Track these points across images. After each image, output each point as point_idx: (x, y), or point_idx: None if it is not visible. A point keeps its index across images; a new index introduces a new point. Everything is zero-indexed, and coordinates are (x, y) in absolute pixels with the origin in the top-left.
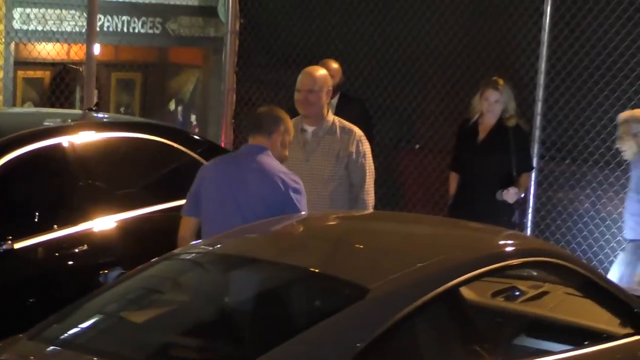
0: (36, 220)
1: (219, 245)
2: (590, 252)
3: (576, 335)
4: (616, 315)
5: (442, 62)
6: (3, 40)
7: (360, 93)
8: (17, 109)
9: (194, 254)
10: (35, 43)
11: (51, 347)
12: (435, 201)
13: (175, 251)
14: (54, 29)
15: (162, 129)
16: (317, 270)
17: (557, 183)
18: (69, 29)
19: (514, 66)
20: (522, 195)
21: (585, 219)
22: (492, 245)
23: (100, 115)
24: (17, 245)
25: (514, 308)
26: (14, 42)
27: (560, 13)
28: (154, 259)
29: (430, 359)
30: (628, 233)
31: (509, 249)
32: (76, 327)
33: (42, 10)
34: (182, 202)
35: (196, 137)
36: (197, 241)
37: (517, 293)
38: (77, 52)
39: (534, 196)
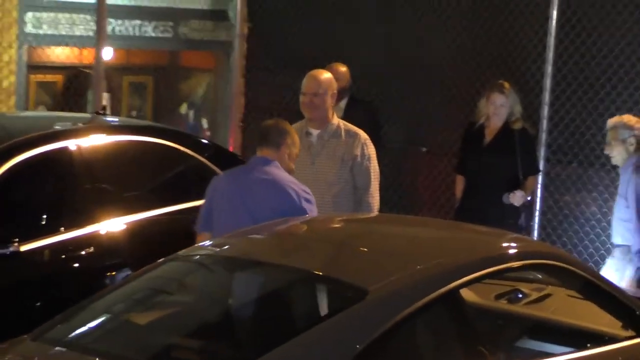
0: (43, 222)
1: (221, 247)
2: (597, 255)
3: (578, 338)
4: (618, 318)
5: (449, 65)
6: (15, 44)
7: (367, 96)
8: (25, 112)
9: (197, 256)
10: (48, 47)
11: (55, 348)
12: (442, 204)
13: (180, 253)
14: (66, 33)
15: (169, 133)
16: (317, 272)
17: (564, 186)
18: (80, 32)
19: (521, 70)
20: (529, 198)
21: (591, 222)
22: (493, 248)
23: (107, 118)
24: (23, 248)
25: (516, 310)
26: (26, 46)
27: (567, 17)
28: (157, 261)
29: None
30: (617, 239)
31: (509, 251)
32: (80, 328)
33: (54, 14)
34: (189, 205)
35: (204, 140)
36: (200, 243)
37: (520, 295)
38: (88, 56)
39: (541, 199)
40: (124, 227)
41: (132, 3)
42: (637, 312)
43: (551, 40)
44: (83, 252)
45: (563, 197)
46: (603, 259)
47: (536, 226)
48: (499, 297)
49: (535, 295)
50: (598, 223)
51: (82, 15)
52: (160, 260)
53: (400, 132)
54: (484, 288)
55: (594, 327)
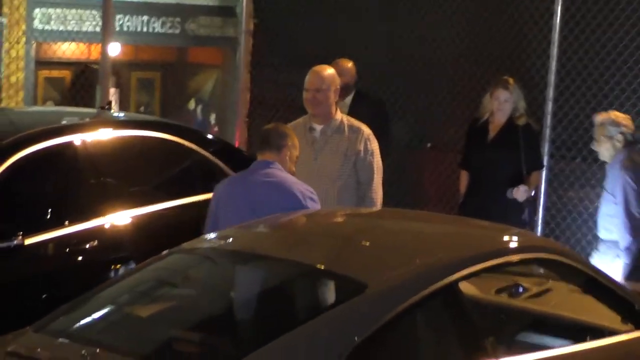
0: (47, 216)
1: (223, 241)
2: None
3: (578, 332)
4: (617, 312)
5: (453, 62)
6: (23, 40)
7: (371, 93)
8: (31, 108)
9: (199, 249)
10: (56, 43)
11: (57, 339)
12: (447, 200)
13: (183, 245)
14: (74, 29)
15: (174, 128)
16: (318, 266)
17: (567, 182)
18: (89, 29)
19: (525, 66)
20: (532, 193)
21: (595, 218)
22: (492, 242)
23: (113, 113)
24: (27, 241)
25: (516, 304)
26: (34, 42)
27: (571, 13)
28: (160, 254)
29: (428, 353)
30: (602, 233)
31: (509, 245)
32: (82, 320)
33: (63, 10)
34: (194, 199)
35: (209, 136)
36: (201, 237)
37: (520, 290)
38: (96, 51)
39: (545, 195)
40: (128, 220)
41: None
42: (636, 307)
43: (555, 36)
44: (87, 246)
45: (567, 193)
46: None
47: (540, 221)
48: (499, 291)
49: (535, 289)
50: None
51: (89, 11)
52: (163, 253)
53: (405, 128)
54: (484, 282)
55: (593, 321)
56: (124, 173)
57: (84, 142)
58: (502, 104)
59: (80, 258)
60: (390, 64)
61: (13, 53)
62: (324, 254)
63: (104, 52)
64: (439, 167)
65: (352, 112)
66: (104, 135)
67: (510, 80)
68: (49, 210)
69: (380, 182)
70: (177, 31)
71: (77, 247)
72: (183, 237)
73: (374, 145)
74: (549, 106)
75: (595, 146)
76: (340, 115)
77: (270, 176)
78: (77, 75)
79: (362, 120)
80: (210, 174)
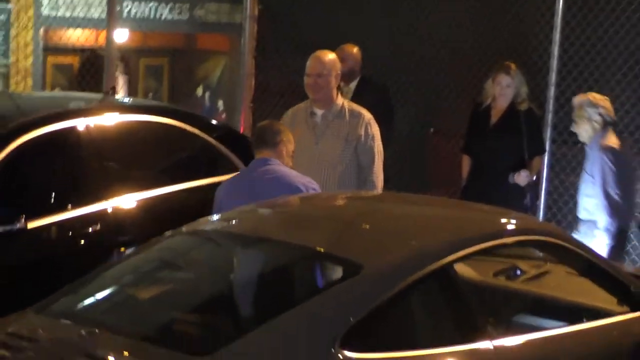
0: (50, 200)
1: (222, 223)
2: None
3: (574, 314)
4: (613, 294)
5: (456, 47)
6: (32, 26)
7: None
8: (36, 93)
9: (198, 232)
10: (64, 29)
11: (57, 320)
12: (450, 185)
13: (182, 228)
14: (83, 15)
15: (178, 113)
16: (315, 248)
17: (570, 166)
18: (97, 15)
19: (527, 51)
20: (534, 178)
21: None
22: (488, 225)
23: (117, 98)
24: (30, 225)
25: (514, 287)
26: (43, 28)
27: None
28: (160, 236)
29: (422, 333)
30: (582, 213)
31: (504, 228)
32: (83, 301)
33: None
34: (197, 183)
35: (213, 121)
36: (201, 219)
37: (518, 272)
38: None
39: (547, 179)
40: (130, 204)
41: None
42: (632, 289)
43: (558, 21)
44: (90, 230)
45: (569, 178)
46: None
47: (542, 206)
48: (497, 274)
49: (533, 272)
50: None
51: None
52: (163, 235)
53: (408, 114)
54: (482, 265)
55: (590, 303)
56: (126, 157)
57: (87, 126)
58: (504, 89)
59: (83, 242)
60: (394, 49)
61: (21, 39)
62: (322, 237)
63: (109, 38)
64: (441, 152)
65: (356, 98)
66: (107, 119)
67: (513, 66)
68: (52, 194)
69: (381, 166)
70: (185, 17)
71: (80, 231)
72: (186, 220)
73: (375, 129)
74: (551, 91)
75: (574, 128)
76: (341, 100)
77: (271, 172)
78: (86, 61)
79: (366, 106)
80: (213, 159)
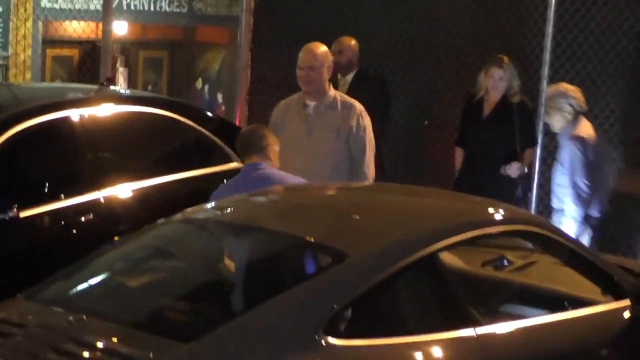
0: (43, 189)
1: (212, 212)
2: None
3: (559, 303)
4: (597, 283)
5: (450, 40)
6: (31, 18)
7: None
8: (32, 83)
9: (188, 220)
10: (64, 21)
11: (47, 307)
12: (443, 177)
13: (172, 217)
14: (82, 7)
15: (173, 105)
16: (301, 237)
17: None
18: (96, 7)
19: (521, 44)
20: (526, 170)
21: None
22: (473, 214)
23: (112, 89)
24: (23, 214)
25: (501, 277)
26: (41, 20)
27: None
28: (150, 224)
29: (406, 321)
30: (555, 202)
31: (488, 217)
32: (73, 288)
33: None
34: (190, 174)
35: (208, 113)
36: (191, 208)
37: (505, 263)
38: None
39: (539, 172)
40: (124, 194)
41: None
42: (615, 278)
43: (551, 14)
44: (83, 219)
45: None
46: None
47: (534, 198)
48: (485, 264)
49: (520, 262)
50: None
51: None
52: (153, 223)
53: (403, 106)
54: (470, 255)
55: (574, 292)
56: (120, 148)
57: (81, 117)
58: (496, 82)
59: (75, 231)
60: (389, 42)
61: (21, 31)
62: (310, 226)
63: (105, 30)
64: (435, 145)
65: (353, 90)
66: (102, 110)
67: (505, 59)
68: (45, 183)
69: (373, 157)
70: (185, 10)
71: (73, 220)
72: (179, 211)
73: (367, 121)
74: (544, 84)
75: (546, 118)
76: (333, 92)
77: (265, 176)
78: (85, 54)
79: (362, 98)
80: (207, 150)
